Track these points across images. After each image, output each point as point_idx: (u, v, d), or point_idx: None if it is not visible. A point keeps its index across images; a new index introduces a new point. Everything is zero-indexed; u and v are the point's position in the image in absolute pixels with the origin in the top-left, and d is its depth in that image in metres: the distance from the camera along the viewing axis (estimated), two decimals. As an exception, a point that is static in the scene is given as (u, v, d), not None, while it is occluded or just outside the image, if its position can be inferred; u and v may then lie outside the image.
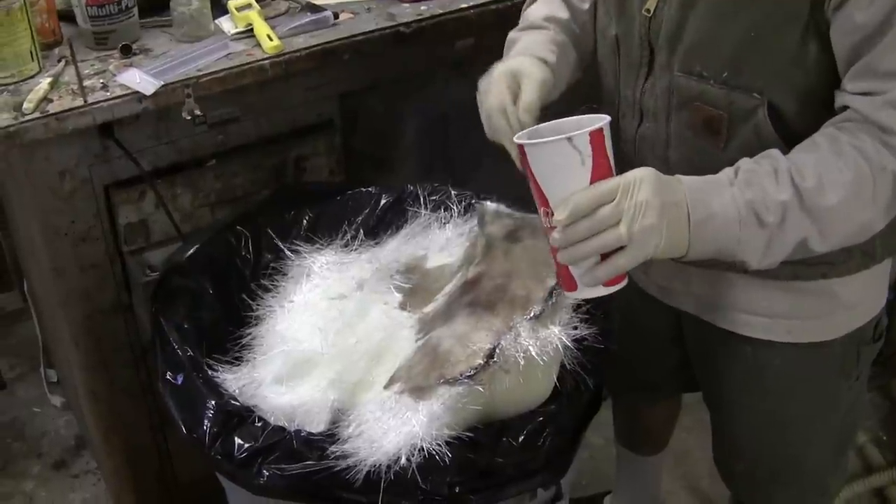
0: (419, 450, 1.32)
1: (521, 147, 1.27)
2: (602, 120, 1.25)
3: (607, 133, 1.25)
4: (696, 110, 1.43)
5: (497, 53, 2.30)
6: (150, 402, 2.18)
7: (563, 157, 1.23)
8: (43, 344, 2.77)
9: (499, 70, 1.51)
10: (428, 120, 2.26)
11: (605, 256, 1.24)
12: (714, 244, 1.26)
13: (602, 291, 1.29)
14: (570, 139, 1.22)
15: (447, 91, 2.26)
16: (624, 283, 1.29)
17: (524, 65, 1.50)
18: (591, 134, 1.22)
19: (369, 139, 2.22)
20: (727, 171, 1.29)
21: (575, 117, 1.32)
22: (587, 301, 1.43)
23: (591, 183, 1.23)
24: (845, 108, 1.29)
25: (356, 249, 1.75)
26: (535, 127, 1.36)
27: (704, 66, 1.39)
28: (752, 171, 1.27)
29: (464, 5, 2.11)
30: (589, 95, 1.65)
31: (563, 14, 1.64)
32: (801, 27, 1.29)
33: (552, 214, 1.25)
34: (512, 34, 1.65)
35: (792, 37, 1.31)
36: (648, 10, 1.44)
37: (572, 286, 1.30)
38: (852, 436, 1.82)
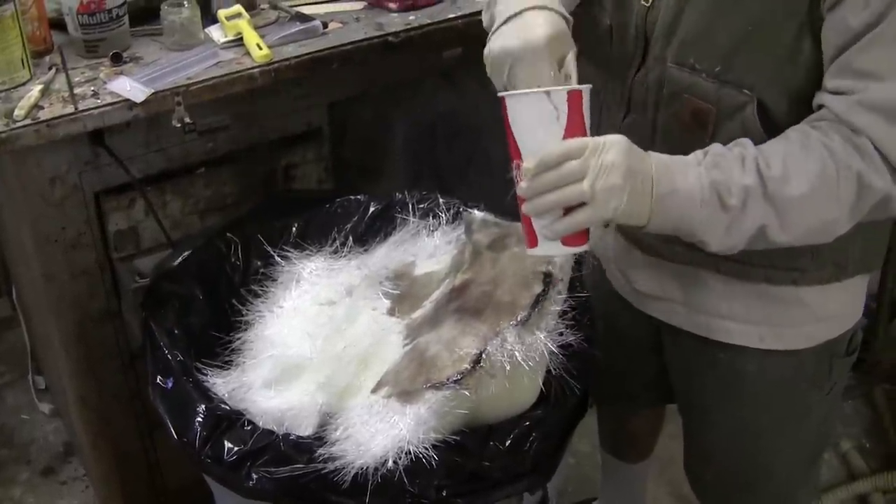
0: (406, 453, 1.34)
1: (501, 99, 1.30)
2: (583, 86, 1.29)
3: (586, 98, 1.29)
4: (685, 103, 1.45)
5: (484, 63, 2.32)
6: (139, 408, 2.19)
7: (539, 110, 1.27)
8: (31, 351, 2.77)
9: (536, 37, 1.34)
10: (416, 129, 2.27)
11: (567, 213, 1.27)
12: (675, 219, 1.29)
13: (561, 250, 1.32)
14: (547, 93, 1.26)
15: (435, 100, 2.29)
16: (584, 246, 1.33)
17: (558, 32, 1.36)
18: (570, 93, 1.27)
19: (357, 148, 2.24)
20: (697, 153, 1.32)
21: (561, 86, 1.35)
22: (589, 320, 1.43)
23: (564, 139, 1.27)
24: (821, 106, 1.32)
25: (345, 256, 1.77)
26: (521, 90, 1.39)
27: (698, 59, 1.41)
28: (720, 154, 1.30)
29: (451, 15, 2.13)
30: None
31: None
32: (797, 24, 1.32)
33: (522, 165, 1.29)
34: None
35: (788, 33, 1.33)
36: (647, 1, 1.46)
37: (533, 242, 1.34)
38: (823, 449, 1.83)
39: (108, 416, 2.18)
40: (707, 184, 1.27)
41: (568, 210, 1.27)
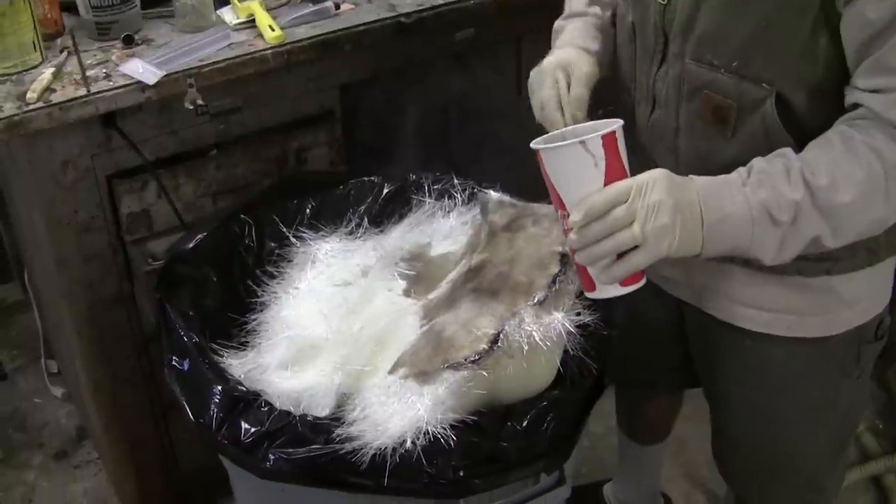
0: (424, 433, 1.34)
1: (537, 152, 1.30)
2: (615, 123, 1.28)
3: (620, 136, 1.28)
4: (705, 99, 1.44)
5: (497, 45, 2.32)
6: (152, 391, 2.19)
7: (576, 160, 1.27)
8: (43, 335, 2.77)
9: (550, 62, 1.55)
10: (427, 111, 2.27)
11: (621, 256, 1.27)
12: (728, 243, 1.29)
13: (620, 290, 1.32)
14: (582, 143, 1.26)
15: (446, 82, 2.28)
16: (641, 282, 1.33)
17: (573, 58, 1.54)
18: (604, 137, 1.26)
19: (369, 130, 2.23)
20: (740, 171, 1.31)
21: (590, 122, 1.37)
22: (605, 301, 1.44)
23: (605, 185, 1.27)
24: (856, 105, 1.30)
25: (360, 237, 1.77)
26: (552, 133, 1.40)
27: (715, 55, 1.40)
28: (764, 171, 1.29)
29: (465, -5, 2.12)
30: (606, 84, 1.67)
31: None
32: (811, 19, 1.30)
33: (568, 217, 1.29)
34: (557, 23, 1.68)
35: (802, 29, 1.31)
36: None
37: (591, 286, 1.34)
38: (850, 436, 1.81)
39: (121, 400, 2.18)
40: (756, 204, 1.27)
41: (621, 254, 1.27)
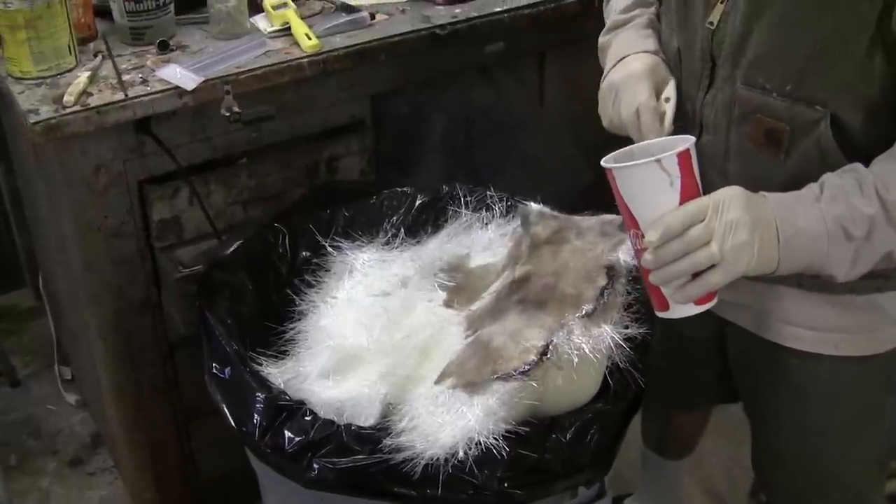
0: (476, 444, 1.33)
1: (609, 171, 1.28)
2: (688, 141, 1.27)
3: (693, 153, 1.27)
4: (757, 123, 1.43)
5: (520, 58, 2.33)
6: (175, 398, 2.18)
7: (651, 179, 1.26)
8: (57, 341, 2.76)
9: (636, 68, 1.53)
10: (452, 123, 2.27)
11: (696, 275, 1.26)
12: (803, 260, 1.28)
13: (694, 310, 1.31)
14: (658, 161, 1.24)
15: (472, 94, 2.28)
16: (715, 300, 1.31)
17: (655, 65, 1.54)
18: (679, 155, 1.25)
19: (393, 140, 2.23)
20: (812, 187, 1.30)
21: (659, 139, 1.36)
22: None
23: (681, 203, 1.26)
24: None
25: (397, 247, 1.77)
26: (620, 151, 1.38)
27: (768, 79, 1.39)
28: (837, 185, 1.28)
29: (497, 9, 2.12)
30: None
31: None
32: (867, 40, 1.29)
33: (642, 236, 1.28)
34: (603, 39, 1.67)
35: (858, 49, 1.30)
36: (712, 23, 1.44)
37: (664, 306, 1.32)
38: (894, 450, 1.81)
39: (143, 406, 2.17)
40: (831, 219, 1.26)
41: (696, 272, 1.26)
